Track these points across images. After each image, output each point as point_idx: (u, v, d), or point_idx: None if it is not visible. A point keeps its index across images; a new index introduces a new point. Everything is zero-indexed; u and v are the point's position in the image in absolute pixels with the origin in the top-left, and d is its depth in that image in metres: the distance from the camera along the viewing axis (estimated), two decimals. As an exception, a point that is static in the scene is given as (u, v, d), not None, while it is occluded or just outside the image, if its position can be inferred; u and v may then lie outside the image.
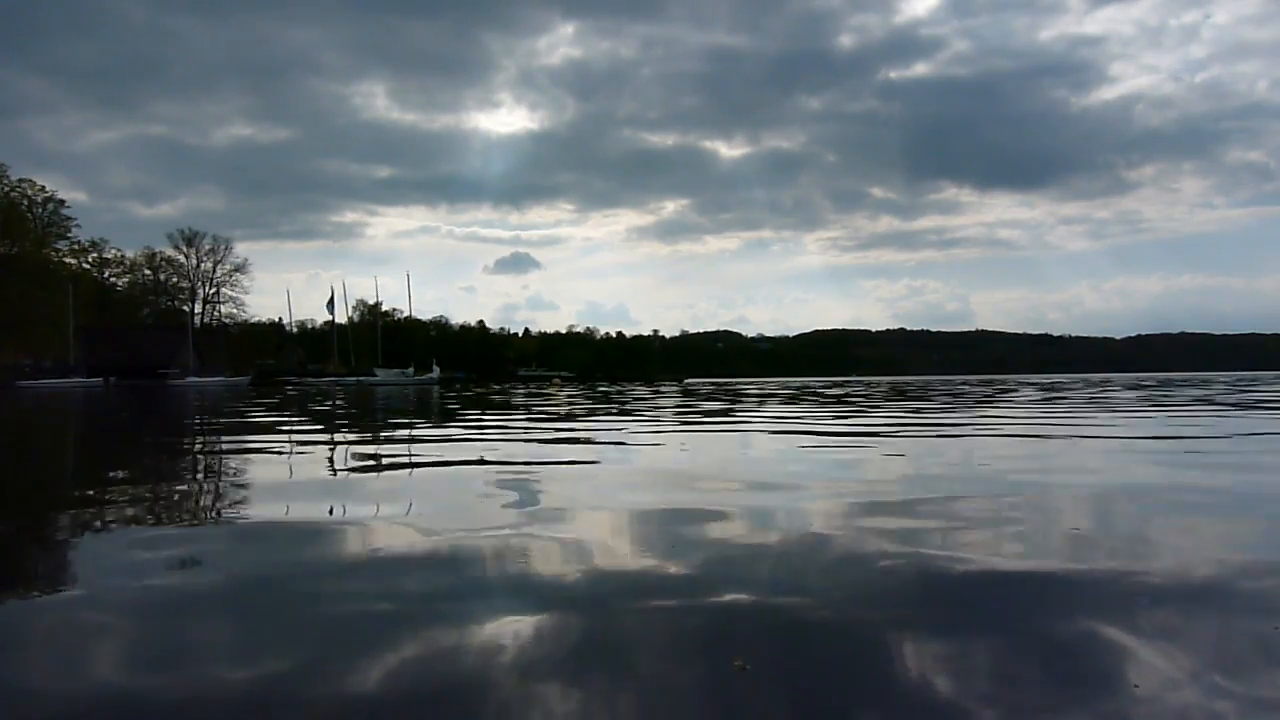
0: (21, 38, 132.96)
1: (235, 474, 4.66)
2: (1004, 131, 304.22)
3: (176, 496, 3.72)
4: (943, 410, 11.17)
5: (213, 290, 79.26)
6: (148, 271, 78.24)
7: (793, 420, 9.40)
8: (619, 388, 31.90)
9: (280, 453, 5.98)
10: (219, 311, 79.52)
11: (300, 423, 9.85)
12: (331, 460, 5.41)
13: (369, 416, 11.22)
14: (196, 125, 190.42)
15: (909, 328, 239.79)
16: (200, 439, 7.54)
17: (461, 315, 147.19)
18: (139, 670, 1.56)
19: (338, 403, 16.72)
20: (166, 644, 1.70)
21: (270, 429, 8.71)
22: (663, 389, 27.27)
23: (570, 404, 14.61)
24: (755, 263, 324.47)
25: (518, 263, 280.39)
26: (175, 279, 79.24)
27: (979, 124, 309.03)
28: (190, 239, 77.99)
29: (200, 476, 4.65)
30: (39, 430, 9.53)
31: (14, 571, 2.39)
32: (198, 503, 3.56)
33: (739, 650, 1.59)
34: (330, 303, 71.33)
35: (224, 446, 6.56)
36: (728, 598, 1.96)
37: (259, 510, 3.32)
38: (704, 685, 1.46)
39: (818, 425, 8.49)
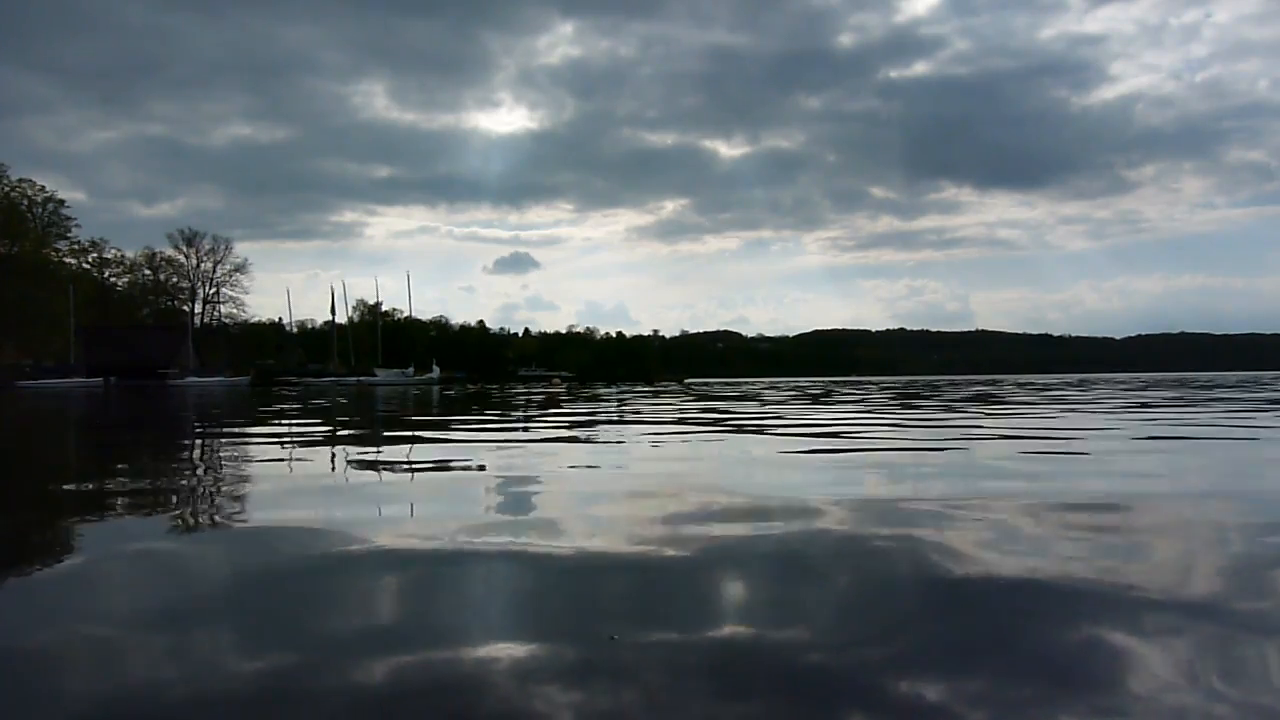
0: (20, 37, 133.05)
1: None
2: (1004, 131, 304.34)
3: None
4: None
5: (213, 290, 79.36)
6: (148, 271, 78.31)
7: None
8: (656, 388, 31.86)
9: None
10: (219, 311, 79.65)
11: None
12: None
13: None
14: (196, 125, 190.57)
15: (909, 328, 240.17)
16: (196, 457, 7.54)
17: (461, 315, 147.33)
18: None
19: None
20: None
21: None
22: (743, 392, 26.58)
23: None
24: (755, 263, 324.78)
25: (517, 263, 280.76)
26: (175, 279, 79.33)
27: (979, 124, 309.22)
28: (190, 239, 78.13)
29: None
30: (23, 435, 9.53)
31: None
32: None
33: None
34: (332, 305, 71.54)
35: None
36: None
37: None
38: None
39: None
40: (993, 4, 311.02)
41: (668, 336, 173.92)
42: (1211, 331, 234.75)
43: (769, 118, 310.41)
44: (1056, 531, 2.68)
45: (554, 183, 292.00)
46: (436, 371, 62.47)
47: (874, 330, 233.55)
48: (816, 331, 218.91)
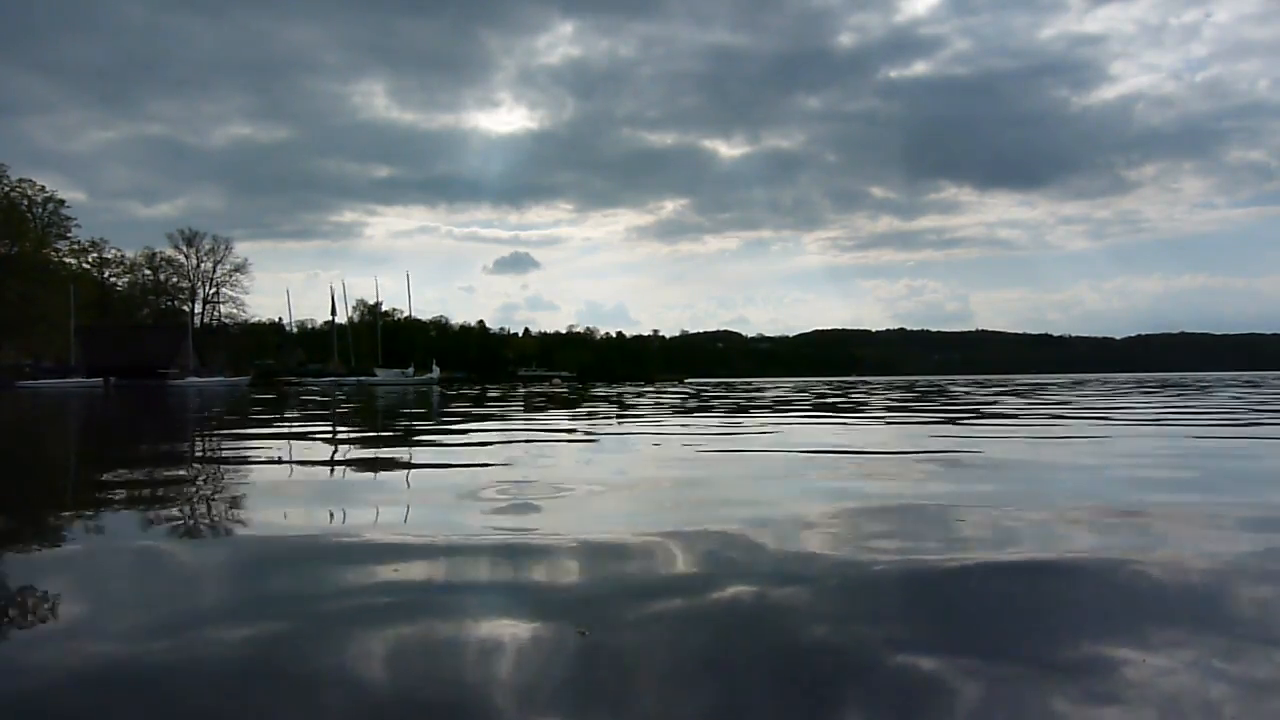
0: (20, 36, 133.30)
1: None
2: (1004, 131, 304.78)
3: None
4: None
5: (213, 290, 79.16)
6: (148, 271, 78.18)
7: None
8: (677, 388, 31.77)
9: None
10: (219, 311, 79.43)
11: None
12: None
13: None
14: (195, 124, 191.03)
15: (909, 328, 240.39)
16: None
17: (461, 315, 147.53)
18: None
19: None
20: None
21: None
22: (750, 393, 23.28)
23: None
24: (755, 263, 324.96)
25: (517, 263, 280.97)
26: (175, 279, 79.15)
27: (979, 124, 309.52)
28: (190, 239, 77.91)
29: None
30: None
31: None
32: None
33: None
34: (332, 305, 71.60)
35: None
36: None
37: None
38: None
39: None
40: (993, 4, 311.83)
41: (668, 336, 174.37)
42: (1211, 331, 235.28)
43: (769, 118, 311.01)
44: None
45: (554, 183, 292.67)
46: (436, 372, 62.44)
47: (874, 330, 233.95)
48: (816, 331, 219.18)
